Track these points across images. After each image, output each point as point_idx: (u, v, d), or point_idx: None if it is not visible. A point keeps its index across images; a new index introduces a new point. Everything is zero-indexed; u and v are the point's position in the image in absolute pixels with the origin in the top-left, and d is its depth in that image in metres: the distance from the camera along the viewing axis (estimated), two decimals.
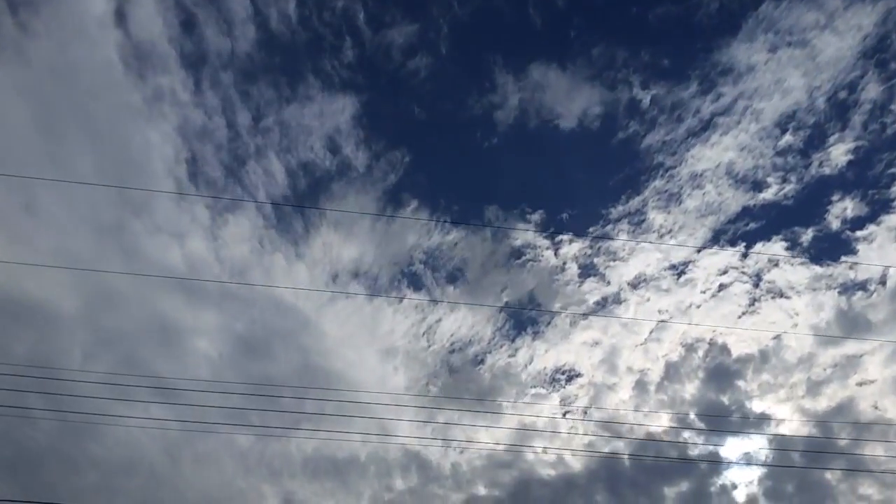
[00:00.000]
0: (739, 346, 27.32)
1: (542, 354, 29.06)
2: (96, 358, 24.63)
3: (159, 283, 25.59)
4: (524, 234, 30.15)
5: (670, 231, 29.09)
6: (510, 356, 29.58)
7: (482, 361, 29.88)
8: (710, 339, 27.74)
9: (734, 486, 22.76)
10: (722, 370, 26.22)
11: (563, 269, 30.08)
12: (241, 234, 27.67)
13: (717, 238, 28.96)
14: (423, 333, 29.62)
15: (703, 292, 28.72)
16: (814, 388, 25.78)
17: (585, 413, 27.02)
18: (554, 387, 28.76)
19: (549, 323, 29.55)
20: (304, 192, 29.27)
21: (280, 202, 28.87)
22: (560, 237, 29.88)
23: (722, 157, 28.29)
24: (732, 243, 28.98)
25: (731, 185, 28.57)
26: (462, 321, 29.76)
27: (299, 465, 25.75)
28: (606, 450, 25.85)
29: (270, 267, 28.22)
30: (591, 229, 30.63)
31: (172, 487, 22.63)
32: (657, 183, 28.82)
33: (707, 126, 27.81)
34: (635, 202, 29.14)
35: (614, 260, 29.61)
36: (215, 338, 26.60)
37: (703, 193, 28.69)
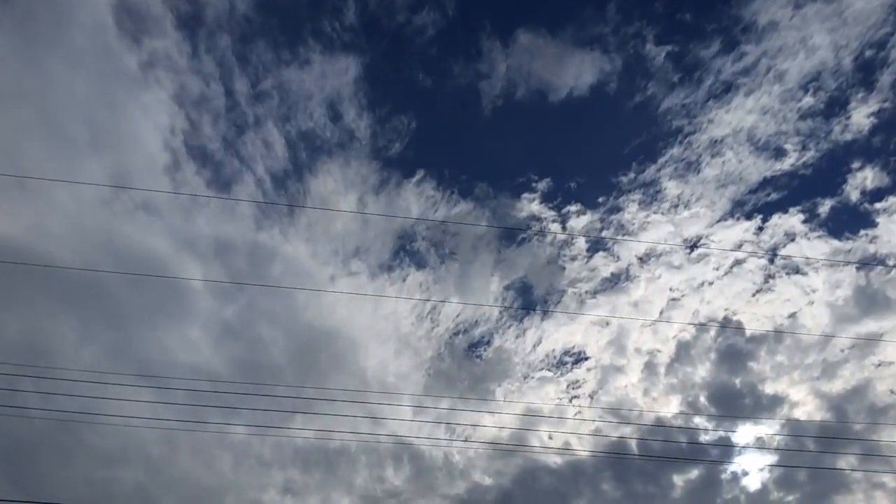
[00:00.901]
0: (753, 324, 26.40)
1: (547, 335, 28.25)
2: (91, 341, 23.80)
3: (152, 263, 24.51)
4: (530, 206, 28.85)
5: (686, 203, 27.81)
6: (515, 337, 28.77)
7: (488, 343, 29.09)
8: (723, 318, 26.81)
9: (745, 473, 22.16)
10: (734, 351, 25.38)
11: (570, 244, 28.89)
12: (239, 209, 26.72)
13: (733, 210, 27.70)
14: (428, 314, 28.69)
15: (717, 269, 27.62)
16: (829, 369, 24.94)
17: (592, 398, 26.33)
18: (560, 370, 28.03)
19: (556, 302, 28.57)
20: (305, 163, 27.93)
21: (280, 175, 27.65)
22: (568, 208, 28.60)
23: (743, 122, 26.78)
24: (748, 216, 27.72)
25: (752, 152, 27.16)
26: (466, 299, 28.76)
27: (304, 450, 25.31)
28: (614, 436, 25.29)
29: (268, 244, 27.25)
30: (600, 199, 29.34)
31: (166, 477, 22.05)
32: (675, 150, 27.38)
33: (728, 88, 26.24)
34: (650, 171, 27.79)
35: (624, 233, 28.38)
36: (211, 321, 25.56)
37: (723, 161, 27.29)
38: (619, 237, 28.30)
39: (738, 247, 27.79)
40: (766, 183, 27.28)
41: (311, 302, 27.23)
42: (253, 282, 27.80)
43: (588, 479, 22.98)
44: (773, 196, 27.27)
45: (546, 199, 28.70)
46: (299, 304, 27.25)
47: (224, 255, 26.09)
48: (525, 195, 28.83)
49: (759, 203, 27.35)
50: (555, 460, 24.41)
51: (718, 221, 27.71)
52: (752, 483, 21.79)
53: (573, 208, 28.60)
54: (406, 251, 28.81)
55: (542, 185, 28.63)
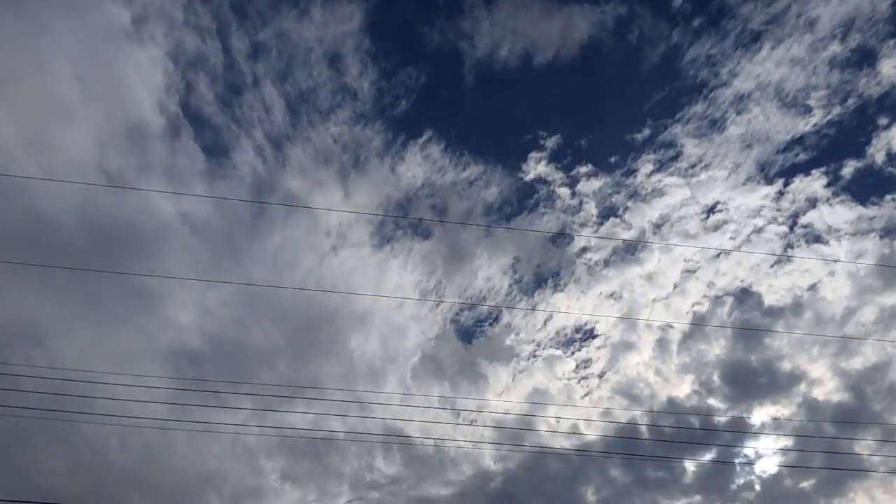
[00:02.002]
0: (771, 297, 25.12)
1: (555, 309, 26.89)
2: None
3: (155, 235, 23.43)
4: (537, 168, 27.02)
5: (706, 164, 26.06)
6: (522, 312, 27.48)
7: (495, 319, 27.86)
8: (740, 291, 25.48)
9: (760, 457, 21.32)
10: (751, 327, 24.15)
11: (579, 209, 27.23)
12: (238, 178, 25.28)
13: (754, 173, 26.01)
14: (433, 289, 27.25)
15: (733, 237, 26.09)
16: (850, 344, 23.80)
17: (602, 377, 25.27)
18: (568, 349, 26.81)
19: (563, 272, 27.13)
20: (305, 124, 25.97)
21: (280, 139, 26.05)
22: (577, 169, 26.81)
23: (771, 75, 24.82)
24: (769, 180, 26.02)
25: (778, 108, 25.32)
26: (471, 270, 27.30)
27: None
28: (624, 417, 24.37)
29: (268, 214, 25.95)
30: (613, 159, 27.54)
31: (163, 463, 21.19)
32: (697, 107, 25.44)
33: (757, 37, 24.21)
34: (668, 129, 25.95)
35: (638, 198, 26.71)
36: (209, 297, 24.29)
37: (749, 119, 25.42)
38: (632, 202, 26.65)
39: (757, 213, 26.21)
40: (791, 143, 25.61)
41: (311, 276, 25.80)
42: (250, 253, 26.20)
43: (597, 464, 22.18)
44: (797, 157, 25.62)
45: (554, 158, 26.90)
46: (298, 279, 25.88)
47: (219, 226, 24.88)
48: (532, 154, 27.01)
49: (783, 165, 25.70)
50: (562, 444, 23.55)
51: (738, 186, 26.07)
52: (768, 467, 20.97)
53: (583, 169, 26.87)
54: (411, 221, 27.19)
55: (551, 142, 26.78)
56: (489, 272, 27.04)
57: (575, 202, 27.05)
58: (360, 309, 26.09)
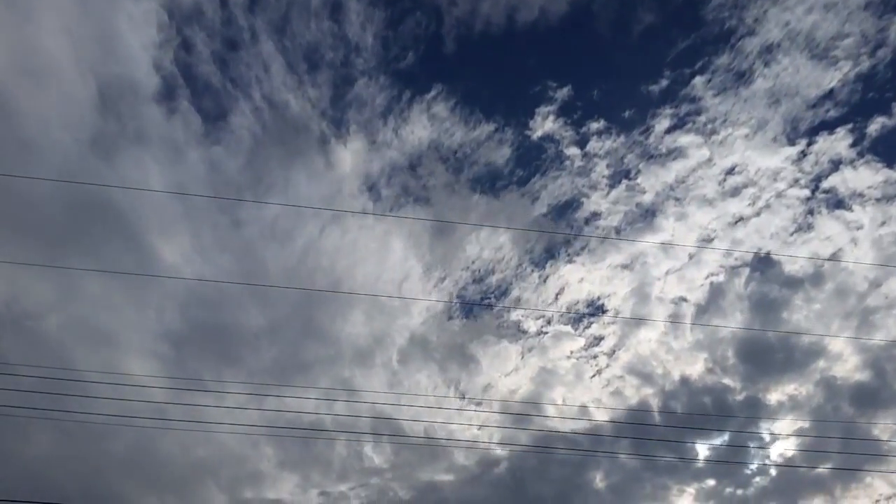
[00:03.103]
0: (791, 267, 23.79)
1: (563, 280, 25.47)
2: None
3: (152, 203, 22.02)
4: (545, 124, 25.04)
5: (727, 121, 24.19)
6: (529, 282, 26.08)
7: (503, 292, 26.45)
8: (758, 261, 24.10)
9: (775, 437, 20.51)
10: (768, 300, 22.95)
11: (589, 170, 25.41)
12: (237, 144, 23.83)
13: (778, 131, 24.18)
14: (439, 262, 25.70)
15: (752, 203, 24.48)
16: (872, 317, 22.68)
17: (612, 355, 24.12)
18: (575, 325, 25.51)
19: (571, 241, 25.54)
20: (306, 83, 24.41)
21: (278, 100, 24.29)
22: (588, 125, 24.86)
23: (801, 23, 22.78)
24: (792, 139, 24.21)
25: (808, 60, 23.30)
26: (477, 241, 25.73)
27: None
28: (634, 397, 23.43)
29: (268, 181, 24.42)
30: (626, 114, 25.59)
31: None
32: (723, 59, 23.38)
33: None
34: (688, 82, 23.99)
35: (652, 159, 24.91)
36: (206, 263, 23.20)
37: (777, 72, 23.40)
38: (646, 164, 24.83)
39: (778, 176, 24.54)
40: (821, 98, 23.71)
41: (312, 247, 24.26)
42: (253, 221, 24.62)
43: (606, 445, 21.30)
44: (828, 113, 23.73)
45: (564, 112, 24.92)
46: (298, 248, 24.83)
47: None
48: (540, 108, 24.98)
49: (812, 122, 23.88)
50: (571, 427, 22.65)
51: (761, 146, 24.28)
52: (783, 450, 20.19)
53: (594, 125, 24.94)
54: (416, 186, 25.39)
55: (561, 94, 24.72)
56: (496, 242, 25.53)
57: (585, 163, 25.23)
58: (359, 283, 24.77)
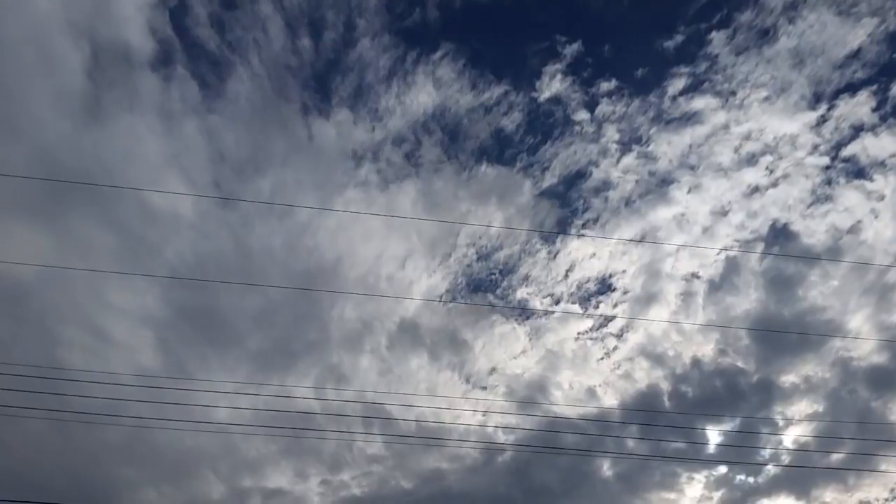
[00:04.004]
0: (808, 240, 22.62)
1: (569, 257, 24.22)
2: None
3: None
4: (552, 85, 23.37)
5: (745, 83, 22.65)
6: (532, 259, 24.78)
7: (510, 269, 25.20)
8: (773, 234, 22.91)
9: (789, 422, 19.78)
10: (783, 277, 21.87)
11: (598, 136, 23.86)
12: (236, 113, 22.60)
13: (801, 94, 22.68)
14: (445, 236, 24.35)
15: (770, 171, 23.11)
16: (893, 294, 21.71)
17: (620, 337, 23.08)
18: (584, 304, 24.34)
19: (578, 214, 24.17)
20: (307, 46, 22.75)
21: (278, 64, 22.70)
22: (598, 85, 23.23)
23: None
24: (813, 103, 22.72)
25: (835, 15, 21.58)
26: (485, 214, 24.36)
27: None
28: (644, 378, 22.57)
29: (267, 150, 23.39)
30: (638, 72, 23.96)
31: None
32: (746, 15, 21.63)
33: None
34: (709, 40, 22.23)
35: (665, 124, 23.36)
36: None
37: (802, 31, 21.75)
38: (659, 129, 23.27)
39: (796, 142, 23.11)
40: (842, 59, 22.13)
41: (313, 220, 23.03)
42: (250, 194, 23.21)
43: (615, 430, 20.52)
44: (854, 74, 22.17)
45: (573, 70, 23.23)
46: (298, 224, 23.84)
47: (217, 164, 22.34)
48: (548, 67, 23.27)
49: (838, 84, 22.33)
50: (578, 412, 21.81)
51: (780, 110, 22.77)
52: (798, 433, 19.47)
53: (605, 85, 23.32)
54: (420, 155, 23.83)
55: (570, 50, 22.95)
56: (504, 214, 24.17)
57: (595, 129, 23.62)
58: (360, 261, 23.60)
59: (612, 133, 23.74)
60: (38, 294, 19.96)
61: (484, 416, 19.65)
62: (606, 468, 21.53)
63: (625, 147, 23.61)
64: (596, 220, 23.87)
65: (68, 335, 20.19)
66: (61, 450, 19.20)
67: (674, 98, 23.19)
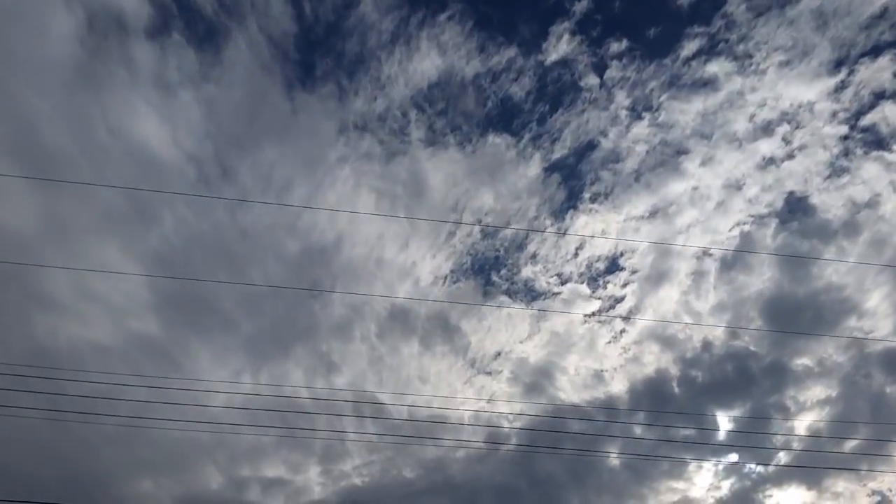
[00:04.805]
0: (825, 214, 21.62)
1: (575, 234, 23.09)
2: None
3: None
4: (558, 46, 22.09)
5: (762, 45, 21.27)
6: (539, 237, 23.67)
7: (517, 246, 24.12)
8: (788, 210, 21.88)
9: (801, 407, 19.18)
10: (797, 252, 20.90)
11: (608, 101, 22.56)
12: (235, 81, 21.38)
13: (822, 58, 21.37)
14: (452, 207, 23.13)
15: (786, 141, 21.93)
16: None
17: (628, 319, 22.19)
18: (593, 284, 23.30)
19: (587, 188, 22.99)
20: (307, 13, 21.42)
21: (276, 29, 21.18)
22: (608, 45, 21.92)
23: None
24: (832, 69, 21.44)
25: None
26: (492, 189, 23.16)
27: None
28: (652, 362, 21.82)
29: (266, 119, 22.21)
30: (650, 32, 22.62)
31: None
32: None
33: None
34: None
35: (677, 90, 22.05)
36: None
37: None
38: (670, 96, 21.96)
39: (813, 109, 21.89)
40: (868, 20, 20.79)
41: (312, 199, 22.74)
42: (248, 166, 22.23)
43: (624, 415, 19.86)
44: (875, 36, 20.89)
45: (581, 28, 21.91)
46: (297, 200, 22.87)
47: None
48: (555, 27, 21.84)
49: (864, 46, 20.95)
50: (583, 397, 21.15)
51: (799, 76, 21.46)
52: (811, 418, 18.87)
53: (615, 46, 21.97)
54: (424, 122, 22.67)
55: (579, 7, 21.48)
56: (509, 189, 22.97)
57: (604, 94, 22.26)
58: (362, 240, 22.54)
59: (622, 99, 22.42)
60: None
61: (488, 403, 18.92)
62: (613, 456, 21.02)
63: (634, 113, 22.34)
64: (607, 195, 22.80)
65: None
66: (53, 439, 18.44)
67: (687, 61, 21.83)
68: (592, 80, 22.39)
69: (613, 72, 22.37)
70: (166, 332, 20.66)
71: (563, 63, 22.40)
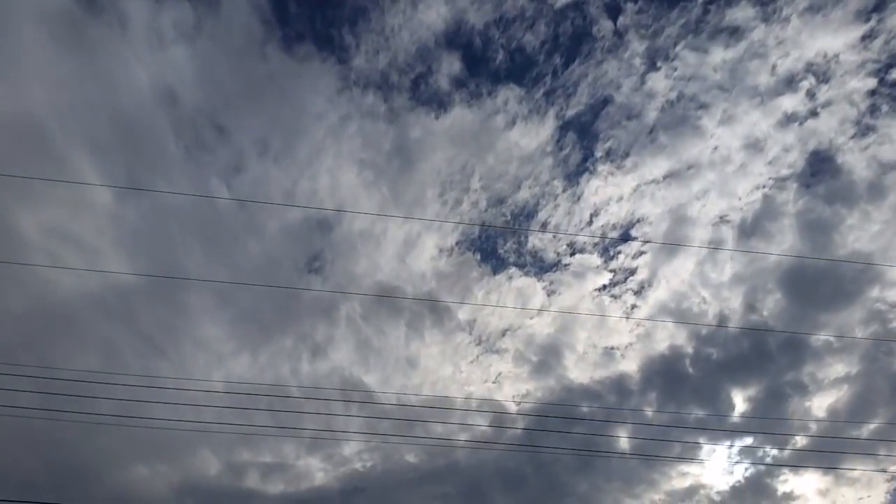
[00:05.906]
0: (849, 174, 20.26)
1: (586, 197, 21.69)
2: None
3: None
4: None
5: None
6: (549, 201, 22.24)
7: (526, 214, 22.78)
8: (811, 170, 20.51)
9: (819, 385, 18.38)
10: (819, 219, 19.66)
11: (620, 49, 20.98)
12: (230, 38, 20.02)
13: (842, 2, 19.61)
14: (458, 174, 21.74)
15: (809, 97, 20.37)
16: None
17: (639, 293, 21.09)
18: (604, 255, 22.02)
19: (600, 146, 21.47)
20: None
21: None
22: None
23: None
24: (861, 14, 19.77)
25: None
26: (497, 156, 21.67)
27: None
28: (664, 344, 20.91)
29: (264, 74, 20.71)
30: None
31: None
32: None
33: None
34: None
35: (695, 40, 20.39)
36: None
37: None
38: (687, 45, 20.26)
39: (838, 60, 20.27)
40: None
41: (313, 162, 21.61)
42: (245, 126, 20.78)
43: (637, 393, 19.09)
44: None
45: None
46: (300, 163, 21.88)
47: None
48: None
49: None
50: (593, 376, 20.31)
51: (821, 24, 19.74)
52: (828, 399, 18.13)
53: None
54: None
55: None
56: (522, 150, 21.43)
57: (617, 42, 20.48)
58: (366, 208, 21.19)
59: (635, 46, 20.60)
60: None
61: (495, 383, 18.14)
62: (623, 439, 20.40)
63: (649, 61, 20.60)
64: (624, 155, 21.25)
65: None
66: (50, 429, 17.87)
67: (706, 6, 19.99)
68: (607, 26, 20.61)
69: (627, 18, 20.54)
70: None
71: (576, 6, 20.58)
